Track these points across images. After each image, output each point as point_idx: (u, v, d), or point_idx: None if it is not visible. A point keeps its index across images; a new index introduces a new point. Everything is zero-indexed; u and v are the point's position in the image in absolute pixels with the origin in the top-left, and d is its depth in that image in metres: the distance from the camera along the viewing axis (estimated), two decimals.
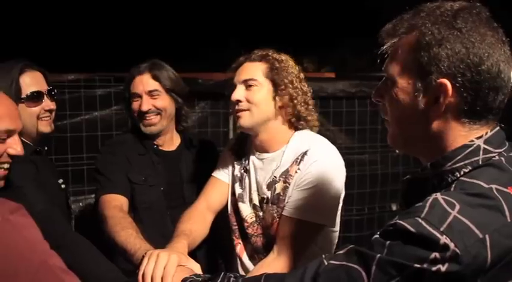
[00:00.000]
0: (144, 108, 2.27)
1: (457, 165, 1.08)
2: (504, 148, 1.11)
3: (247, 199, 2.08)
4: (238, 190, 2.11)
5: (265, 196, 2.01)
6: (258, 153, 2.05)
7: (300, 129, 1.99)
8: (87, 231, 2.08)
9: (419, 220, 0.98)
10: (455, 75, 1.04)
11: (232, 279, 1.28)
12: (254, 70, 1.95)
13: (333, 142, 2.02)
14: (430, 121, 1.10)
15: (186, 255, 1.66)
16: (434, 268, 0.95)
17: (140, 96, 2.29)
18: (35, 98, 2.03)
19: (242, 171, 2.11)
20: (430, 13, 1.09)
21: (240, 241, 2.13)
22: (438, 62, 1.05)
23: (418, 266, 0.96)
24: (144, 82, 2.30)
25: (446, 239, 0.95)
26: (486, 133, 1.10)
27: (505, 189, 1.02)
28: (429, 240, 0.96)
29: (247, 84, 1.93)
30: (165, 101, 2.32)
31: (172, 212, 2.29)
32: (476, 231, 0.96)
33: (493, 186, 1.02)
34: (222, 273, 1.31)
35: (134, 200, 2.28)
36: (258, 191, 2.04)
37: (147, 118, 2.30)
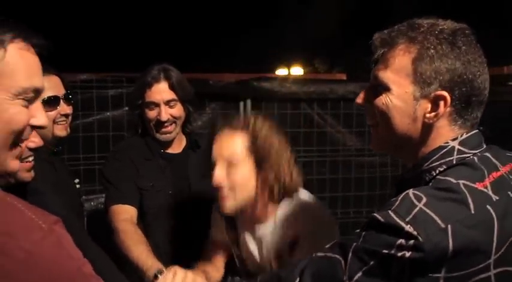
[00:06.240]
0: (164, 118, 2.28)
1: (433, 164, 1.18)
2: (480, 150, 1.19)
3: (244, 256, 2.01)
4: (236, 252, 2.04)
5: (260, 261, 1.93)
6: (248, 227, 1.92)
7: (287, 196, 1.83)
8: (98, 231, 2.10)
9: (390, 212, 1.09)
10: (453, 88, 1.15)
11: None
12: (235, 143, 1.75)
13: (343, 144, 2.02)
14: (423, 127, 1.19)
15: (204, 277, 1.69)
16: (399, 254, 1.05)
17: (157, 105, 2.29)
18: (52, 102, 2.01)
19: (234, 238, 2.02)
20: (430, 29, 1.17)
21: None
22: (439, 76, 1.15)
23: (387, 251, 1.06)
24: (163, 91, 2.29)
25: (410, 227, 1.04)
26: (461, 135, 1.19)
27: (472, 184, 1.10)
28: (395, 228, 1.06)
29: (229, 162, 1.74)
30: (180, 110, 2.34)
31: (181, 213, 2.34)
32: (439, 221, 1.05)
33: (461, 181, 1.11)
34: (229, 278, 1.39)
35: (143, 205, 2.31)
36: (254, 256, 1.96)
37: (165, 126, 2.31)
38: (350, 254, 1.12)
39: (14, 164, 1.08)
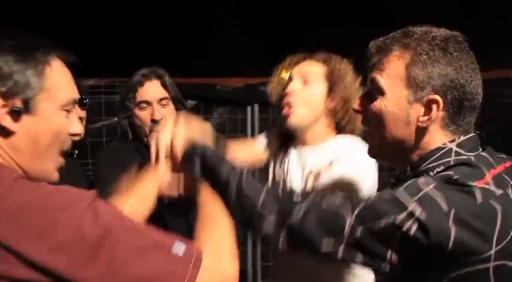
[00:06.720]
0: (157, 117, 2.15)
1: (431, 165, 1.21)
2: (476, 153, 1.21)
3: (281, 176, 2.03)
4: (272, 174, 2.07)
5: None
6: (299, 148, 1.98)
7: (342, 132, 1.94)
8: None
9: (396, 191, 1.12)
10: (445, 93, 1.18)
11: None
12: (315, 67, 1.91)
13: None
14: (416, 131, 1.22)
15: None
16: (405, 228, 1.07)
17: (150, 104, 2.19)
18: None
19: (280, 162, 2.04)
20: (423, 36, 1.21)
21: None
22: (431, 80, 1.18)
23: (392, 221, 1.08)
24: (155, 89, 2.21)
25: (416, 205, 1.07)
26: (459, 137, 1.21)
27: (472, 183, 1.11)
28: (402, 203, 1.08)
29: (305, 79, 1.89)
30: (172, 112, 2.23)
31: (176, 220, 2.18)
32: (444, 205, 1.07)
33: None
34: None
35: None
36: (293, 177, 1.98)
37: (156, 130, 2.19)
38: (357, 210, 1.13)
39: (55, 175, 1.17)
